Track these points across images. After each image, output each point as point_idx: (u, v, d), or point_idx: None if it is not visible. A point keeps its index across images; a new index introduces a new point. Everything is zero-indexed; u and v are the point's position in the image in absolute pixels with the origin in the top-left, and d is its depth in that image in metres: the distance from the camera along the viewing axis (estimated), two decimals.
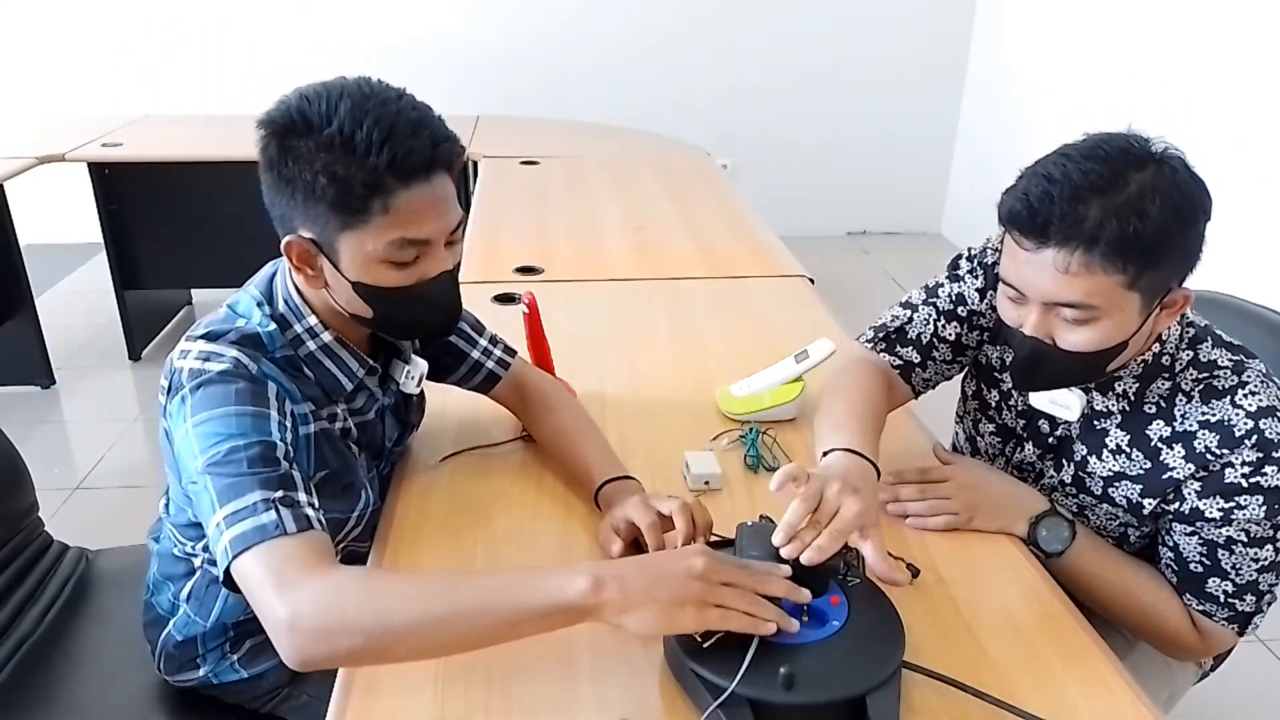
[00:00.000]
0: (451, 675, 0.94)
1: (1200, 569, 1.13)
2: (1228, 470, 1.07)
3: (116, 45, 4.30)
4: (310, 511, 0.93)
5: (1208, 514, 1.10)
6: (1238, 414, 1.07)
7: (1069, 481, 1.23)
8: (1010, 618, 1.05)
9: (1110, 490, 1.19)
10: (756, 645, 0.87)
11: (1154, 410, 1.13)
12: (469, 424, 1.42)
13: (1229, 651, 1.40)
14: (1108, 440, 1.17)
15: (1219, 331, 1.15)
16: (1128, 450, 1.16)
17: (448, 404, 1.46)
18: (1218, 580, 1.12)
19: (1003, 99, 4.42)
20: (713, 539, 1.11)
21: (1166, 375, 1.12)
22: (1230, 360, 1.11)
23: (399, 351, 1.22)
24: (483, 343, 1.37)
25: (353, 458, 1.15)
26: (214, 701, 1.27)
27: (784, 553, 0.92)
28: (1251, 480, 1.06)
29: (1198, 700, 1.47)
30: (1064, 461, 1.23)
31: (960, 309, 1.28)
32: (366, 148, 0.95)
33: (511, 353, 1.40)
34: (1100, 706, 0.93)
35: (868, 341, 1.34)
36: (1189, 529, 1.13)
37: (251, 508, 0.90)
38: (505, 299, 1.92)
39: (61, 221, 4.14)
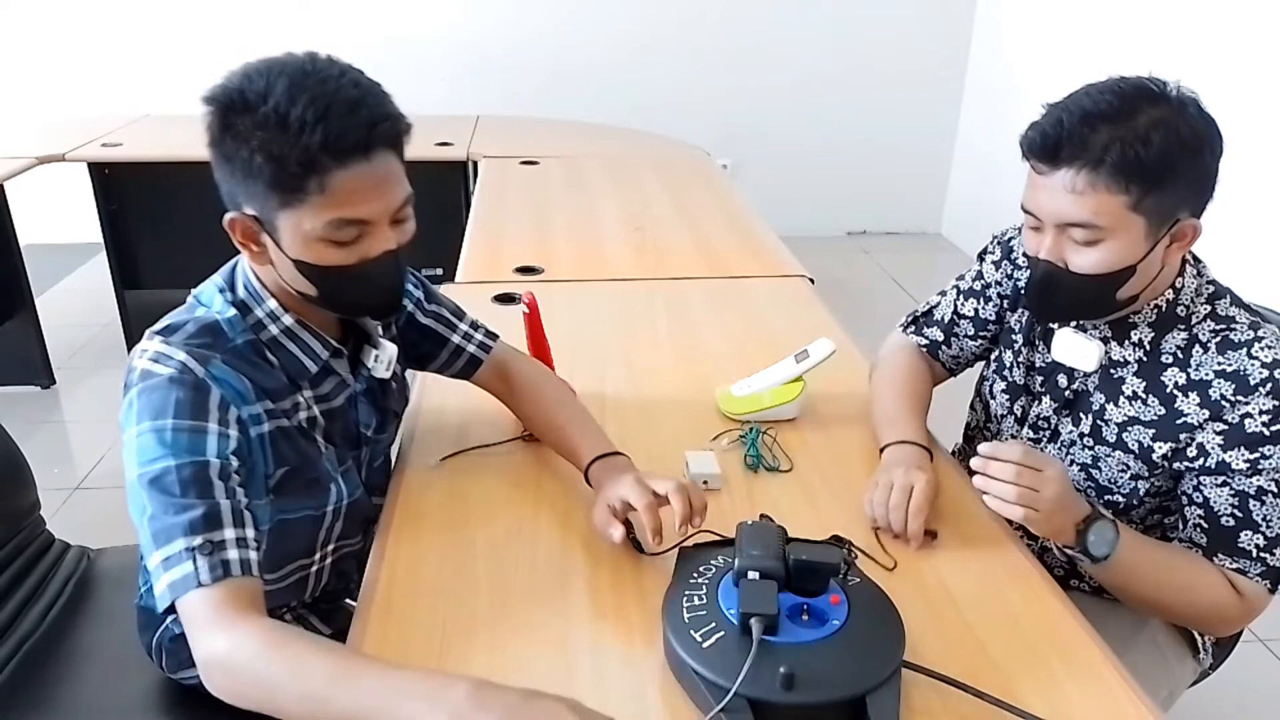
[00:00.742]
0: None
1: (1231, 522, 1.12)
2: (1247, 421, 1.09)
3: (116, 45, 4.30)
4: (232, 553, 0.94)
5: (1234, 465, 1.11)
6: (1253, 364, 1.10)
7: (1087, 433, 1.25)
8: (1010, 618, 1.05)
9: (1124, 435, 1.20)
10: (757, 646, 0.87)
11: (1170, 360, 1.16)
12: (469, 424, 1.43)
13: (1229, 652, 1.41)
14: (1124, 388, 1.20)
15: (1238, 294, 1.18)
16: (1143, 396, 1.18)
17: (447, 404, 1.47)
18: (1249, 533, 1.11)
19: (1003, 99, 4.42)
20: (713, 538, 1.12)
21: (1183, 326, 1.15)
22: (1248, 319, 1.15)
23: (369, 337, 1.21)
24: (463, 327, 1.37)
25: (316, 453, 1.14)
26: (215, 700, 1.27)
27: (894, 527, 1.15)
28: (1273, 429, 1.09)
29: (1198, 700, 1.47)
30: (1081, 415, 1.25)
31: (978, 284, 1.39)
32: (300, 126, 0.94)
33: (493, 337, 1.40)
34: (1100, 706, 0.93)
35: (901, 326, 1.49)
36: (1218, 480, 1.13)
37: (178, 555, 0.93)
38: (505, 299, 1.92)
39: (61, 221, 4.14)
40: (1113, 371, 1.21)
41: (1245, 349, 1.11)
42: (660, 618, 0.96)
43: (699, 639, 0.90)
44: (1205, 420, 1.13)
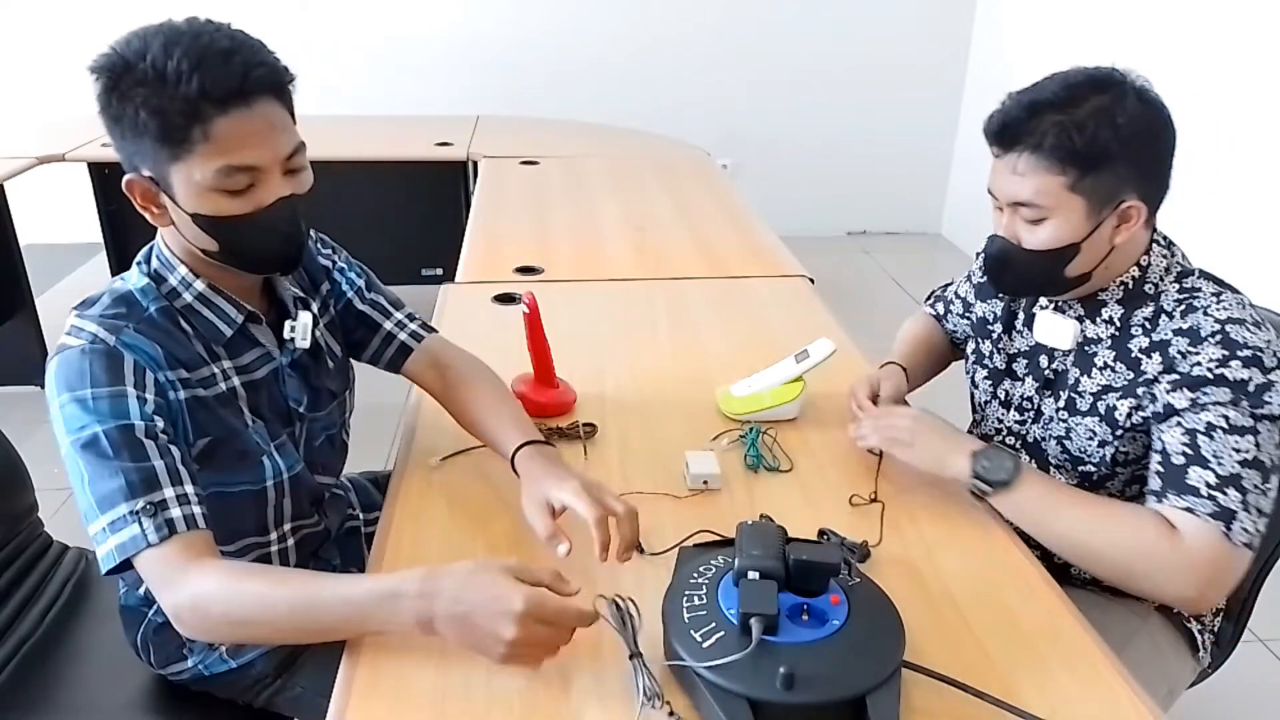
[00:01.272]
0: (451, 676, 0.94)
1: (1182, 460, 1.12)
2: (1195, 368, 1.13)
3: None
4: (175, 511, 0.99)
5: (1178, 405, 1.14)
6: (1207, 320, 1.15)
7: (1063, 407, 1.30)
8: (1010, 618, 1.05)
9: (1096, 404, 1.25)
10: (757, 644, 0.87)
11: (1139, 331, 1.22)
12: None
13: (1229, 652, 1.41)
14: (1096, 360, 1.25)
15: (1210, 273, 1.22)
16: (1113, 365, 1.23)
17: None
18: (1198, 469, 1.10)
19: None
20: (713, 538, 1.11)
21: (1151, 301, 1.21)
22: (1213, 288, 1.19)
23: (285, 307, 1.22)
24: (398, 316, 1.38)
25: (241, 425, 1.14)
26: (211, 698, 1.28)
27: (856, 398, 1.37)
28: (1216, 372, 1.12)
29: (1198, 700, 1.47)
30: (1060, 391, 1.30)
31: (976, 274, 1.50)
32: (178, 77, 0.97)
33: (429, 329, 1.41)
34: (1100, 706, 0.93)
35: (926, 298, 1.65)
36: (1171, 423, 1.14)
37: (123, 519, 0.98)
38: (505, 299, 1.92)
39: (61, 221, 4.14)
40: (1087, 349, 1.26)
41: (1204, 310, 1.16)
42: (660, 618, 0.96)
43: (699, 639, 0.90)
44: (1160, 373, 1.17)
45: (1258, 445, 1.10)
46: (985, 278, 1.31)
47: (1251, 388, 1.10)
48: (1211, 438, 1.11)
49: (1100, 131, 1.11)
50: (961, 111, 4.82)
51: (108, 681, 1.32)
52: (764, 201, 2.88)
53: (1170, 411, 1.14)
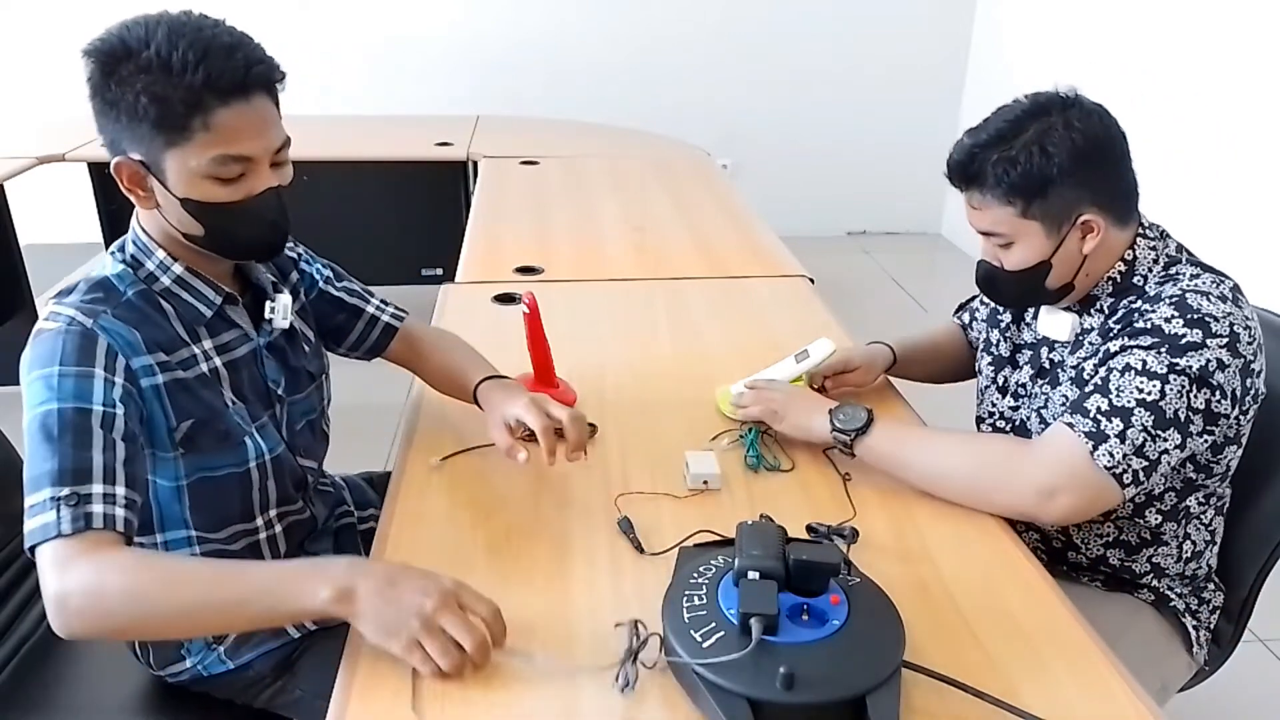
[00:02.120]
0: (450, 681, 0.94)
1: (1091, 389, 1.18)
2: (1140, 321, 1.19)
3: None
4: (96, 507, 0.96)
5: (1113, 349, 1.20)
6: (1169, 286, 1.22)
7: (1046, 382, 1.37)
8: (1010, 618, 1.05)
9: (1075, 372, 1.30)
10: (757, 644, 0.87)
11: (1122, 311, 1.26)
12: (469, 424, 1.42)
13: (1229, 652, 1.41)
14: (1085, 341, 1.31)
15: (1201, 260, 1.27)
16: (1096, 343, 1.28)
17: (448, 404, 1.46)
18: (1099, 397, 1.17)
19: (1003, 99, 4.40)
20: (713, 538, 1.11)
21: (1138, 290, 1.26)
22: (1194, 271, 1.24)
23: (265, 291, 1.24)
24: (375, 300, 1.46)
25: (221, 405, 1.15)
26: (210, 699, 1.27)
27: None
28: (1154, 324, 1.17)
29: (1198, 700, 1.47)
30: (1059, 376, 1.35)
31: None
32: (183, 67, 1.00)
33: (404, 313, 1.49)
34: (1100, 706, 0.93)
35: (955, 310, 1.69)
36: (1101, 362, 1.21)
37: (42, 504, 0.96)
38: (505, 299, 1.92)
39: (61, 221, 4.13)
40: (1081, 337, 1.32)
41: (1176, 284, 1.21)
42: (660, 618, 0.96)
43: (699, 639, 0.90)
44: (1120, 330, 1.22)
45: (1163, 393, 1.14)
46: (984, 296, 1.41)
47: (1182, 342, 1.14)
48: (1122, 374, 1.16)
49: (1034, 161, 1.18)
50: (961, 111, 4.81)
51: (107, 682, 1.32)
52: (764, 201, 2.88)
53: (1107, 356, 1.20)
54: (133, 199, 1.11)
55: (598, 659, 0.96)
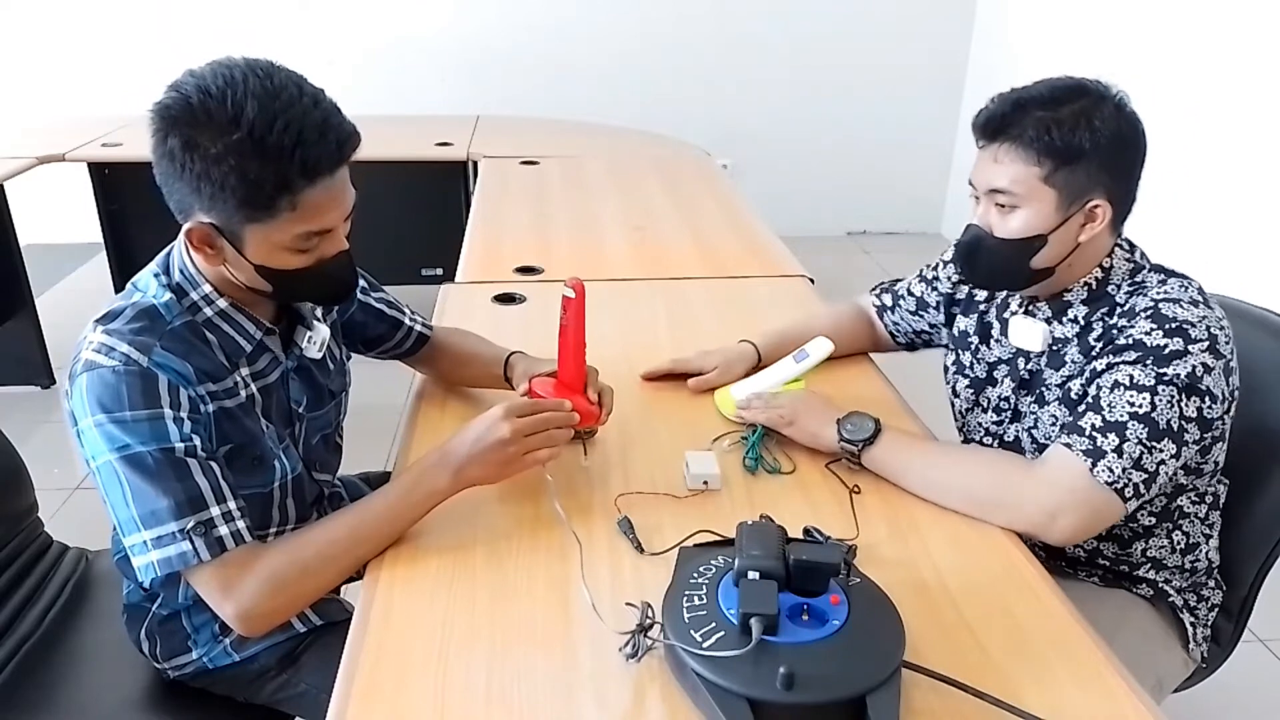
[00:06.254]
0: (452, 676, 0.94)
1: (1083, 408, 1.20)
2: (1121, 337, 1.21)
3: (116, 45, 4.29)
4: (223, 529, 1.04)
5: (1099, 368, 1.21)
6: (1144, 299, 1.23)
7: (1032, 400, 1.36)
8: (1010, 618, 1.05)
9: (1059, 392, 1.31)
10: (757, 644, 0.87)
11: (1099, 326, 1.28)
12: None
13: (1229, 652, 1.41)
14: (1065, 358, 1.31)
15: (1164, 266, 1.29)
16: (1078, 360, 1.29)
17: (448, 404, 1.47)
18: (1092, 415, 1.18)
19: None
20: (713, 538, 1.11)
21: (1110, 300, 1.27)
22: (1159, 278, 1.26)
23: (303, 318, 1.25)
24: (408, 310, 1.51)
25: (259, 430, 1.16)
26: (211, 696, 1.28)
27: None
28: (1136, 339, 1.19)
29: (1198, 700, 1.47)
30: (1038, 389, 1.35)
31: (932, 273, 1.56)
32: (278, 152, 0.98)
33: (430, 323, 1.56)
34: (1100, 706, 0.93)
35: (873, 288, 1.68)
36: (1090, 381, 1.22)
37: (171, 536, 1.02)
38: (505, 299, 1.92)
39: (61, 221, 4.13)
40: (1057, 348, 1.32)
41: (1146, 294, 1.23)
42: (660, 617, 0.96)
43: (699, 639, 0.90)
44: (1103, 349, 1.23)
45: (1153, 404, 1.15)
46: (958, 266, 1.37)
47: (1165, 352, 1.16)
48: (1111, 391, 1.18)
49: (1078, 130, 1.18)
50: (961, 111, 4.81)
51: (107, 681, 1.33)
52: (764, 201, 2.88)
53: (1094, 375, 1.21)
54: (198, 258, 1.10)
55: (598, 659, 0.96)
